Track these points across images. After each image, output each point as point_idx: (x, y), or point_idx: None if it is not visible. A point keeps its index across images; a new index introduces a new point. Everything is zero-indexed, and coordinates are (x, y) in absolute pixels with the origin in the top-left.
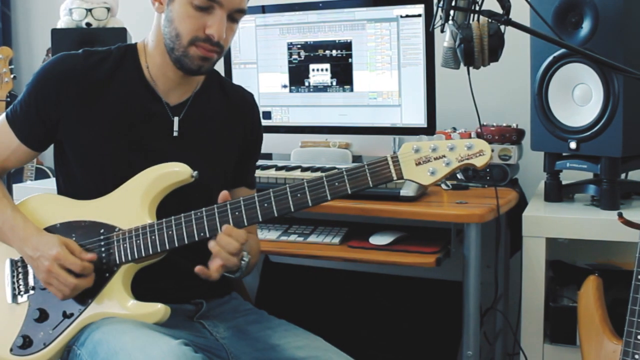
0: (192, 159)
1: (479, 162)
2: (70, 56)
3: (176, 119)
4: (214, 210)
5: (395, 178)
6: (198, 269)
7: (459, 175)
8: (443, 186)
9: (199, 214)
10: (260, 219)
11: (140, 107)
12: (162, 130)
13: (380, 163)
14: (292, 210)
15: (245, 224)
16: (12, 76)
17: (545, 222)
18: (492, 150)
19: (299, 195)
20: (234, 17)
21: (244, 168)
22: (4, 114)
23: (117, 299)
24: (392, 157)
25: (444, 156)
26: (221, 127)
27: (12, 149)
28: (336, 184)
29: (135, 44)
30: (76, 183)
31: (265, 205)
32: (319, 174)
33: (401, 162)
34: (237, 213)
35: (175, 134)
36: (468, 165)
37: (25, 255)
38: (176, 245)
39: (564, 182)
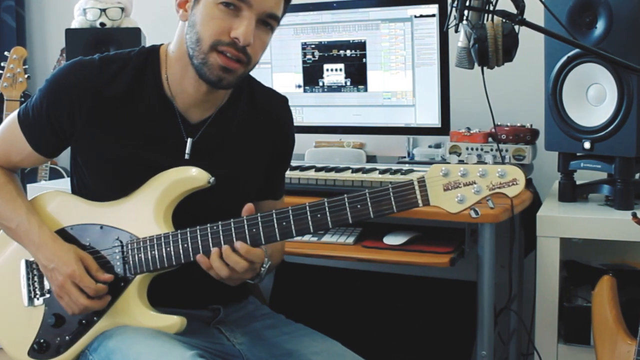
0: None
1: (511, 192)
2: (86, 65)
3: (189, 140)
4: (231, 225)
5: (421, 205)
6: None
7: (490, 204)
8: (472, 214)
9: (214, 227)
10: (279, 238)
11: (157, 126)
12: (174, 151)
13: (406, 187)
14: (312, 231)
15: (263, 242)
16: (26, 76)
17: (560, 222)
18: (506, 151)
19: (319, 215)
20: (265, 22)
21: (271, 180)
22: (15, 114)
23: (132, 309)
24: (419, 180)
25: (474, 182)
26: (247, 139)
27: (25, 155)
28: (358, 206)
29: (158, 48)
30: (88, 190)
31: (284, 224)
32: (333, 174)
33: (428, 186)
34: (254, 230)
35: (186, 156)
36: (499, 194)
37: (40, 263)
38: (191, 259)
39: (578, 182)
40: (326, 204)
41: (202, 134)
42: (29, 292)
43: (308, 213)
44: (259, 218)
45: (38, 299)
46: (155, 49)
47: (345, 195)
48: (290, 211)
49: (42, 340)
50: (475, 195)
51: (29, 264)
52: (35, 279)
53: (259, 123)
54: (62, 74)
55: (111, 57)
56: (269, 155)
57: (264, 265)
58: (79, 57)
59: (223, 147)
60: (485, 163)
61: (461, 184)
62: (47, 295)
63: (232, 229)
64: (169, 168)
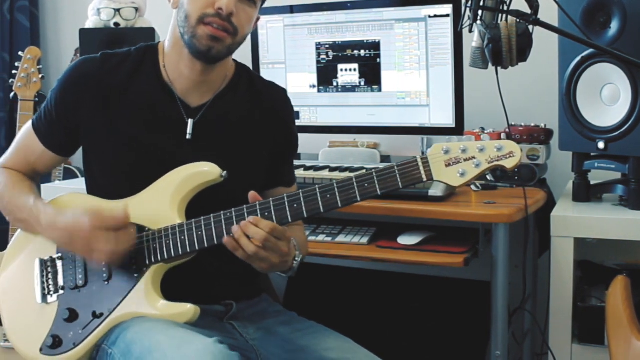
0: (207, 161)
1: (509, 163)
2: (88, 61)
3: (190, 121)
4: (244, 211)
5: (425, 179)
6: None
7: (489, 177)
8: (473, 187)
9: (228, 214)
10: (290, 220)
11: (158, 111)
12: (176, 133)
13: (410, 164)
14: (322, 211)
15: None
16: (40, 76)
17: (574, 222)
18: (521, 151)
19: (328, 196)
20: None
21: (279, 168)
22: (30, 121)
23: (146, 299)
24: (422, 158)
25: (474, 157)
26: (247, 128)
27: (39, 155)
28: (366, 184)
29: (157, 43)
30: (102, 185)
31: (295, 206)
32: (347, 174)
33: (431, 163)
34: (266, 214)
35: (188, 136)
36: (498, 167)
37: (57, 240)
38: (206, 245)
39: (592, 182)
40: (335, 184)
41: (202, 115)
42: (43, 289)
43: (318, 194)
44: (271, 202)
45: (52, 295)
46: (153, 44)
47: (353, 175)
48: (301, 194)
49: (54, 335)
50: (475, 169)
51: (42, 262)
52: (50, 276)
53: (258, 110)
54: (68, 72)
55: (112, 53)
56: (271, 143)
57: (296, 259)
58: (82, 56)
59: (225, 129)
60: None
61: (462, 160)
62: (61, 292)
63: (245, 214)
64: (170, 150)
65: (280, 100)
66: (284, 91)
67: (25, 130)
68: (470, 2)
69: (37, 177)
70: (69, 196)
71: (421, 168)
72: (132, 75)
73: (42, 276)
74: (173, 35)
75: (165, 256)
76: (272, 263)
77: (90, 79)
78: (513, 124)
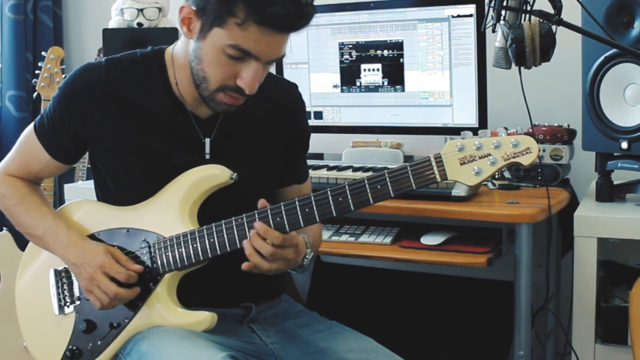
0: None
1: (526, 160)
2: (93, 69)
3: (207, 141)
4: (255, 217)
5: (439, 179)
6: (245, 266)
7: (506, 174)
8: (489, 185)
9: (239, 220)
10: (302, 225)
11: (171, 124)
12: (193, 150)
13: (423, 164)
14: (335, 214)
15: (287, 230)
16: (63, 76)
17: (597, 222)
18: (544, 151)
19: (340, 199)
20: (272, 61)
21: (293, 165)
22: (31, 126)
23: (163, 308)
24: (436, 157)
25: (489, 154)
26: (259, 129)
27: (44, 163)
28: (378, 186)
29: (163, 50)
30: (111, 195)
31: (307, 210)
32: (370, 174)
33: (445, 162)
34: (278, 219)
35: (207, 156)
36: (514, 164)
37: (69, 262)
38: (218, 253)
39: (615, 182)
40: (347, 187)
41: (217, 132)
42: (59, 300)
43: (330, 198)
44: (282, 206)
45: (68, 306)
46: (160, 52)
47: (365, 177)
48: (312, 197)
49: (74, 347)
50: (491, 166)
51: (57, 273)
52: (65, 287)
53: (270, 111)
54: (71, 80)
55: (118, 58)
56: (284, 142)
57: (307, 257)
58: (86, 62)
59: (240, 140)
60: None
61: (477, 157)
62: (78, 302)
63: (257, 219)
64: (189, 167)
65: (289, 97)
66: (294, 87)
67: (27, 136)
68: (493, 2)
69: (40, 182)
70: (78, 203)
71: (435, 168)
72: (141, 85)
73: (57, 287)
74: (184, 58)
75: (179, 265)
76: (278, 268)
77: (97, 89)
78: (536, 124)
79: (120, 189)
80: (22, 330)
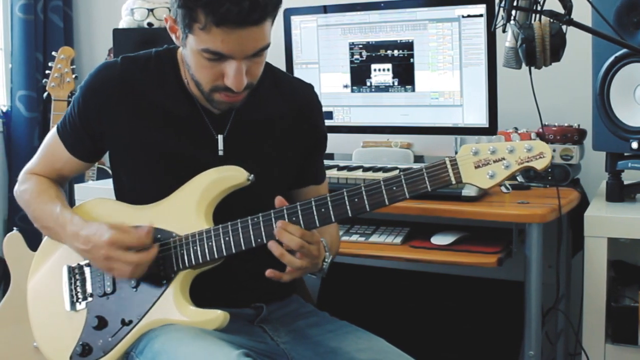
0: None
1: (539, 164)
2: (109, 66)
3: (220, 137)
4: (271, 216)
5: (454, 182)
6: (269, 272)
7: (519, 178)
8: (503, 189)
9: (255, 219)
10: (318, 225)
11: (184, 119)
12: (207, 147)
13: (439, 166)
14: (350, 215)
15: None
16: (73, 76)
17: (607, 222)
18: (554, 151)
19: (356, 200)
20: (256, 54)
21: (309, 166)
22: (55, 127)
23: (175, 306)
24: (451, 160)
25: (504, 159)
26: (273, 132)
27: (65, 161)
28: (394, 188)
29: (176, 50)
30: (129, 194)
31: (323, 210)
32: (380, 174)
33: (460, 165)
34: (294, 218)
35: (220, 152)
36: (528, 168)
37: (79, 250)
38: (233, 251)
39: (625, 182)
40: (363, 188)
41: (229, 128)
42: (71, 297)
43: (346, 198)
44: (298, 206)
45: (80, 303)
46: (173, 50)
47: (381, 179)
48: (328, 198)
49: (84, 343)
50: (505, 170)
51: (70, 270)
52: (78, 283)
53: (284, 108)
54: (89, 79)
55: (133, 56)
56: (299, 142)
57: (326, 260)
58: (103, 62)
59: (253, 137)
60: None
61: (491, 161)
62: (90, 299)
63: (273, 219)
64: (203, 163)
65: (306, 97)
66: (310, 87)
67: (50, 136)
68: (503, 2)
69: (65, 181)
70: (95, 202)
71: (450, 170)
72: (155, 81)
73: (70, 283)
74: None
75: (193, 262)
76: (306, 267)
77: (113, 86)
78: (546, 124)
79: (136, 184)
80: (32, 326)
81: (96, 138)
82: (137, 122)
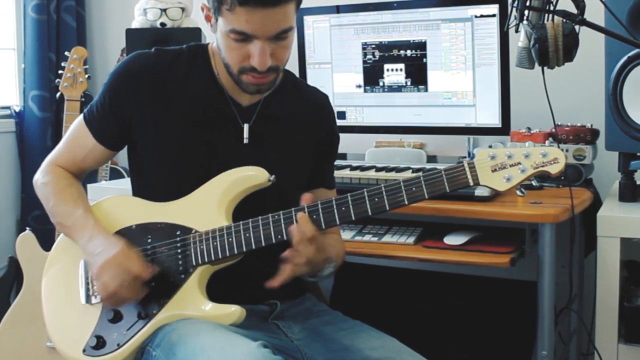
0: (264, 165)
1: (554, 169)
2: (143, 55)
3: (246, 126)
4: (292, 213)
5: (471, 184)
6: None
7: (534, 183)
8: (518, 193)
9: (276, 216)
10: (338, 222)
11: (213, 109)
12: (233, 136)
13: (458, 169)
14: (370, 214)
15: (323, 227)
16: (86, 76)
17: (620, 222)
18: (567, 151)
19: (376, 199)
20: (279, 37)
21: (321, 170)
22: (81, 115)
23: (192, 301)
24: (469, 163)
25: (520, 163)
26: (294, 129)
27: (89, 149)
28: (413, 188)
29: (207, 45)
30: (150, 184)
31: (343, 209)
32: (393, 174)
33: (477, 168)
34: (314, 216)
35: (245, 140)
36: (543, 173)
37: (87, 251)
38: (253, 247)
39: (638, 182)
40: (383, 188)
41: (255, 119)
42: (87, 290)
43: (366, 198)
44: (319, 205)
45: (96, 297)
46: (204, 46)
47: (401, 179)
48: (349, 197)
49: (98, 336)
50: (521, 174)
51: (87, 264)
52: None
53: (304, 108)
54: (122, 65)
55: (166, 49)
56: (316, 142)
57: (330, 269)
58: (137, 51)
59: (276, 131)
60: None
61: (507, 165)
62: None
63: (293, 216)
64: (228, 152)
65: (323, 103)
66: (325, 96)
67: (76, 123)
68: (516, 2)
69: (83, 176)
70: (116, 199)
71: (468, 173)
72: (186, 73)
73: (87, 277)
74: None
75: (213, 257)
76: (313, 262)
77: (145, 74)
78: (559, 124)
79: (159, 178)
80: (45, 320)
81: (124, 124)
82: (165, 110)
